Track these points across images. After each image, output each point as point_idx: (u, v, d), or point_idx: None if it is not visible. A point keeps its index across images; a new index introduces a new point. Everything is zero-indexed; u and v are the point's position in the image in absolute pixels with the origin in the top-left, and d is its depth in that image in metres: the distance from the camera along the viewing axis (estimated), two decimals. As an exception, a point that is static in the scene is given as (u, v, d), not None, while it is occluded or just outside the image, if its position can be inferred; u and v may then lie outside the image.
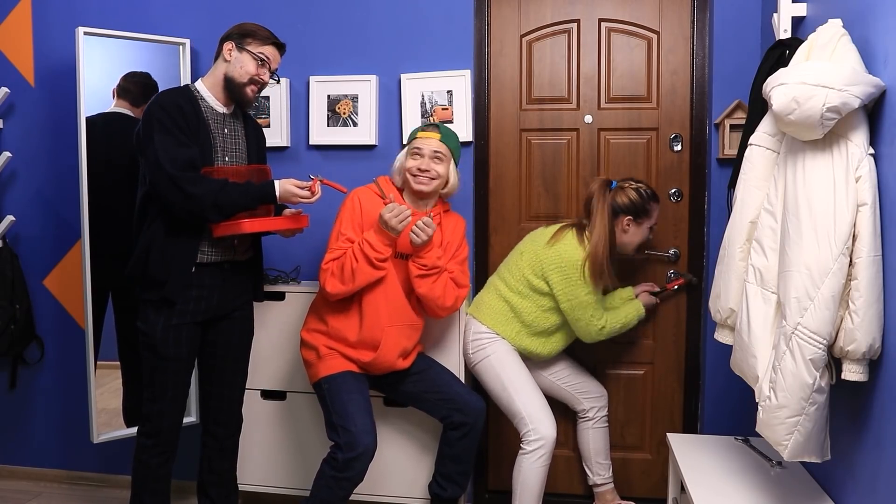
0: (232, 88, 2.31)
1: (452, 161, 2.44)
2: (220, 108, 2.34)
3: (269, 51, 2.32)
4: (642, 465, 2.89)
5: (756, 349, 1.77)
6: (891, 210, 1.56)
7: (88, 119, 2.73)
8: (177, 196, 2.14)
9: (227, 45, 2.30)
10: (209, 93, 2.32)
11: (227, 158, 2.32)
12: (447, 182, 2.44)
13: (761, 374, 1.75)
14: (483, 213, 2.89)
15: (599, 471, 2.73)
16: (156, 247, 2.23)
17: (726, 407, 2.67)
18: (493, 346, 2.53)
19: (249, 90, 2.32)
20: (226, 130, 2.34)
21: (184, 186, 2.13)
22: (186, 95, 2.28)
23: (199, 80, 2.35)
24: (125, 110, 2.81)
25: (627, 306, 2.61)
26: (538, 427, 2.44)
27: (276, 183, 2.23)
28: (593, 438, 2.72)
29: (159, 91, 2.73)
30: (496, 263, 2.78)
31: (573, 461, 2.90)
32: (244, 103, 2.37)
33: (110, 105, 2.81)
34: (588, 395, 2.72)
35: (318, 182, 2.26)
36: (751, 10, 2.60)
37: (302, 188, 2.23)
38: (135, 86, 2.83)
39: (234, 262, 2.38)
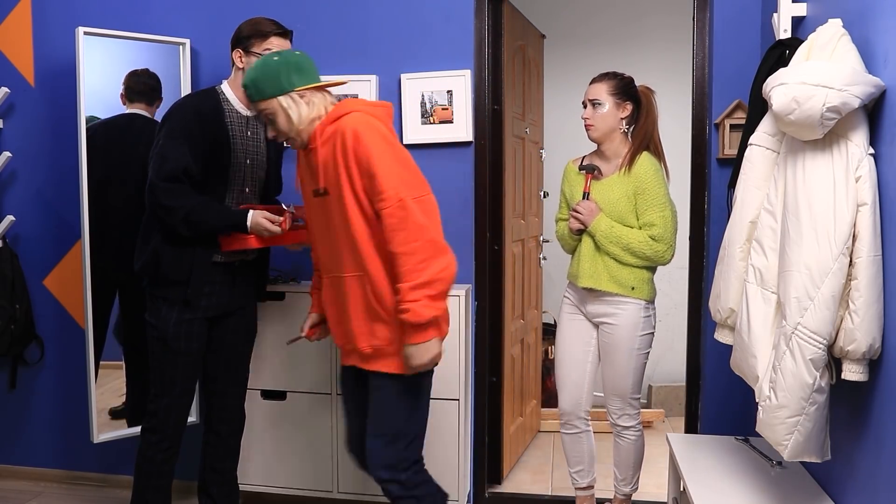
0: None
1: (271, 100, 1.92)
2: (245, 112, 2.37)
3: (274, 43, 2.32)
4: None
5: (756, 349, 1.77)
6: (891, 210, 1.55)
7: (104, 121, 2.78)
8: (152, 203, 2.23)
9: (236, 54, 2.32)
10: (234, 95, 2.36)
11: (248, 161, 2.36)
12: (288, 121, 1.94)
13: (761, 374, 1.75)
14: (483, 213, 2.89)
15: (616, 482, 2.66)
16: (171, 245, 2.27)
17: (726, 407, 2.67)
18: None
19: None
20: (248, 133, 2.37)
21: (159, 196, 2.20)
22: (211, 98, 2.32)
23: (225, 81, 2.39)
24: (140, 111, 2.83)
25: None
26: (560, 399, 2.61)
27: (249, 214, 2.24)
28: (614, 446, 2.63)
29: (161, 86, 2.81)
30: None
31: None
32: None
33: (111, 104, 2.82)
34: (610, 401, 2.57)
35: (290, 216, 2.29)
36: (751, 10, 2.60)
37: (273, 223, 2.23)
38: (143, 86, 2.85)
39: (243, 262, 2.43)
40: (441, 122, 2.79)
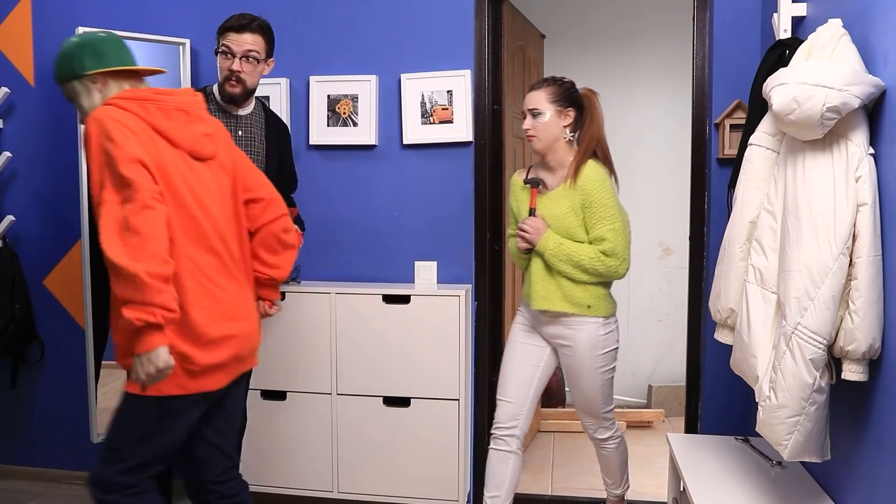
0: (220, 90, 2.37)
1: (66, 85, 1.81)
2: (234, 111, 2.38)
3: (229, 38, 2.28)
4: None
5: (756, 349, 1.77)
6: (891, 210, 1.55)
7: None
8: None
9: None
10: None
11: None
12: (82, 109, 1.82)
13: (761, 374, 1.75)
14: (483, 213, 2.89)
15: (607, 486, 2.65)
16: None
17: (726, 407, 2.67)
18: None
19: (228, 86, 2.34)
20: (240, 132, 2.38)
21: None
22: None
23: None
24: None
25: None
26: (497, 412, 2.45)
27: None
28: (597, 455, 2.60)
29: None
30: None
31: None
32: (227, 99, 2.38)
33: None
34: (582, 418, 2.53)
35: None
36: (751, 10, 2.60)
37: None
38: None
39: None
40: (441, 122, 2.80)
